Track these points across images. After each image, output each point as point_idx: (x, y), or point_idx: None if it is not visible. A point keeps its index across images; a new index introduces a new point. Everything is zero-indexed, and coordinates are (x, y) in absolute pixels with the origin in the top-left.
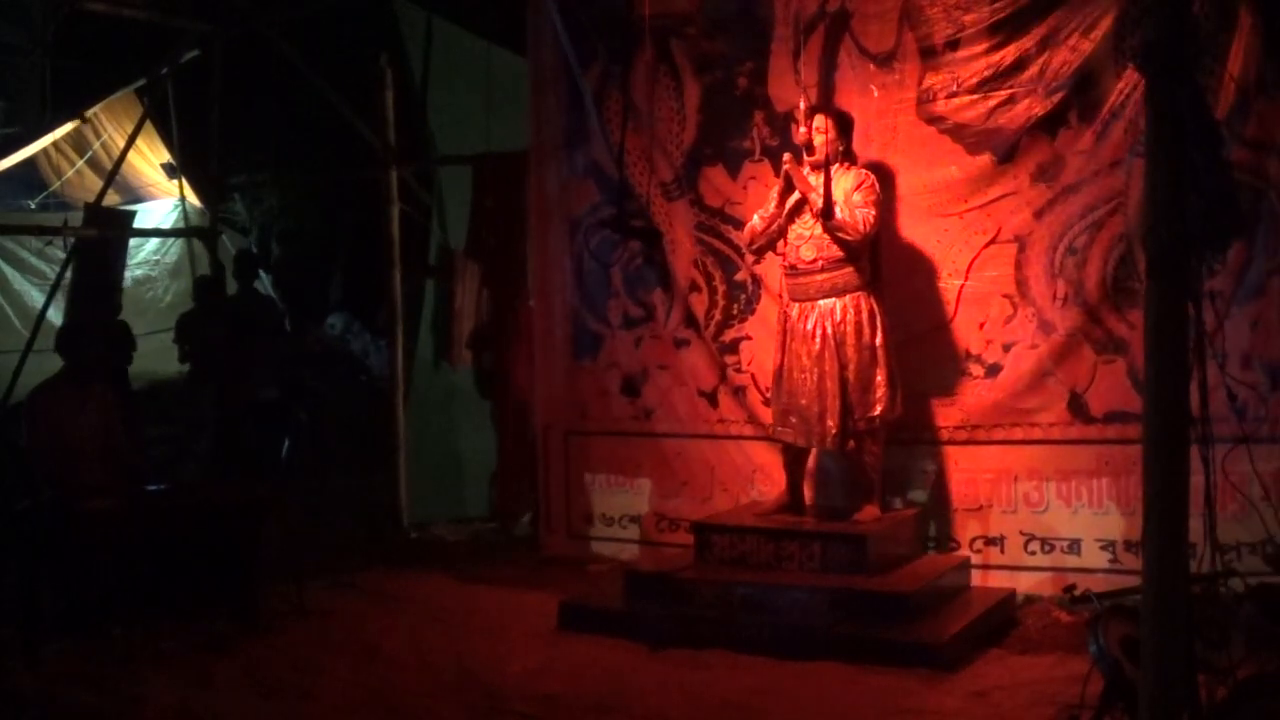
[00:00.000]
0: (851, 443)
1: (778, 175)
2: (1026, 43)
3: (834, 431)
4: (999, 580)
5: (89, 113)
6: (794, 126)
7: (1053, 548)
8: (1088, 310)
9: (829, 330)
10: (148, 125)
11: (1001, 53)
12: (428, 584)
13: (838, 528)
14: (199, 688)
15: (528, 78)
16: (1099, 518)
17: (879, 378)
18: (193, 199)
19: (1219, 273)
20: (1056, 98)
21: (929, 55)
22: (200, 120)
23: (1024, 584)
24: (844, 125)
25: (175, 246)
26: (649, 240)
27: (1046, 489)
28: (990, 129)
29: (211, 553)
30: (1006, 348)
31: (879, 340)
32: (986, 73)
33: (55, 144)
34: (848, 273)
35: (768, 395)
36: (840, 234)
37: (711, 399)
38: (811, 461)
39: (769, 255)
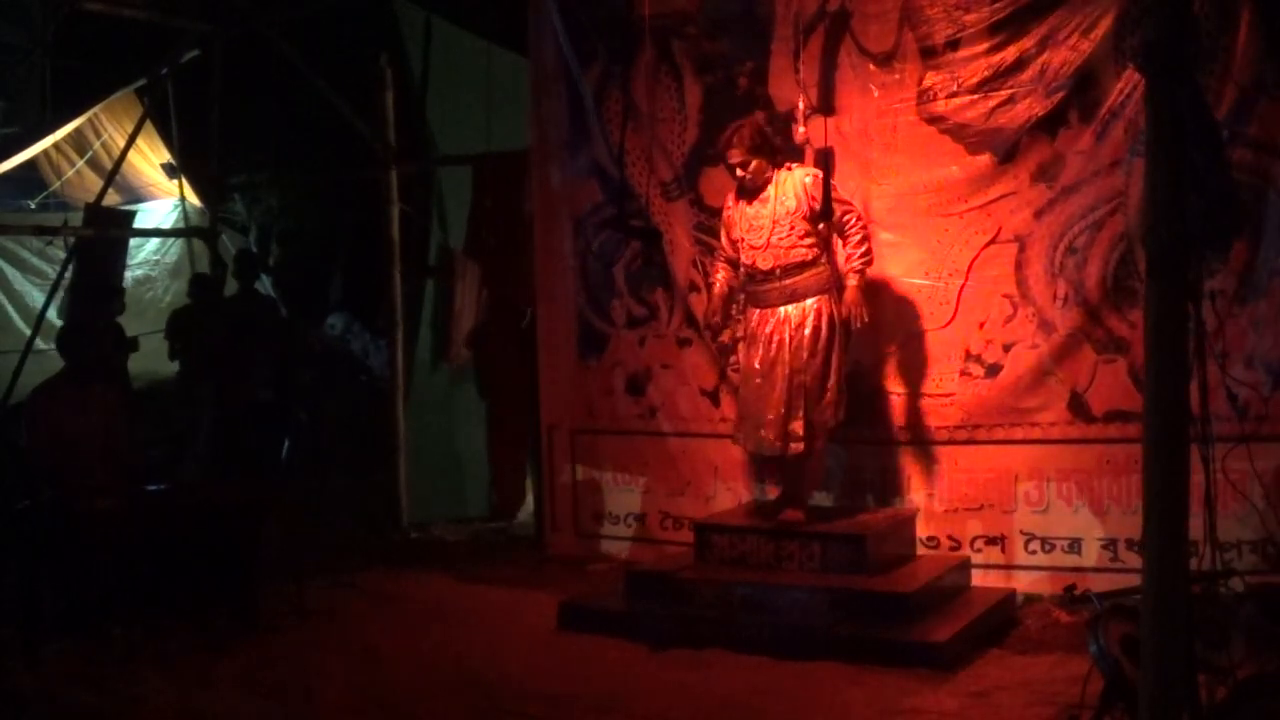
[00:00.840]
0: (797, 447)
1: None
2: (1026, 43)
3: (772, 438)
4: (999, 580)
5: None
6: (794, 126)
7: (1053, 547)
8: (1088, 310)
9: (785, 337)
10: (148, 125)
11: (1002, 53)
12: (428, 584)
13: (838, 528)
14: (199, 688)
15: (528, 78)
16: (1100, 517)
17: (829, 383)
18: (193, 199)
19: (1221, 272)
20: (1056, 98)
21: (929, 55)
22: (200, 120)
23: (1024, 584)
24: (759, 139)
25: (175, 246)
26: (648, 240)
27: (1047, 488)
28: (990, 129)
29: (211, 553)
30: (1007, 347)
31: (835, 347)
32: (987, 73)
33: (55, 144)
34: (807, 277)
35: None
36: (864, 261)
37: (714, 398)
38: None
39: None
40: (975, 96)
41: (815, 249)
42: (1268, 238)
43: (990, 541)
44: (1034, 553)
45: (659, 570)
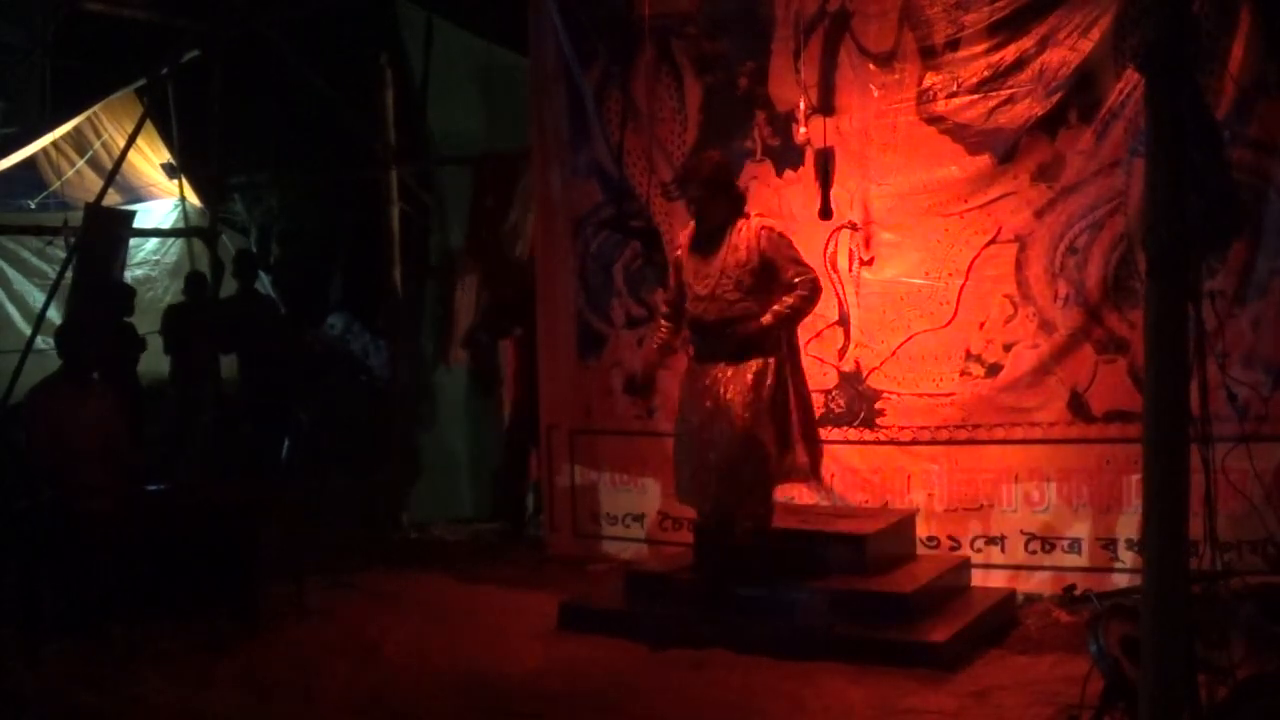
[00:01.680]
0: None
1: (779, 175)
2: (1026, 43)
3: (708, 510)
4: (1000, 580)
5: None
6: (794, 126)
7: (1053, 547)
8: (1089, 310)
9: (723, 394)
10: (148, 125)
11: (1001, 53)
12: (428, 584)
13: (838, 527)
14: (199, 688)
15: (528, 78)
16: (1100, 517)
17: (790, 433)
18: (193, 199)
19: (1221, 272)
20: (1056, 98)
21: (929, 55)
22: (200, 120)
23: (1024, 583)
24: (718, 179)
25: (175, 246)
26: (648, 240)
27: (1047, 488)
28: (990, 129)
29: (211, 553)
30: (1007, 347)
31: (782, 405)
32: (986, 73)
33: (55, 144)
34: (753, 333)
35: None
36: (792, 319)
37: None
38: None
39: None
40: (975, 96)
41: (759, 305)
42: (1268, 238)
43: (990, 541)
44: (1034, 553)
45: (659, 571)
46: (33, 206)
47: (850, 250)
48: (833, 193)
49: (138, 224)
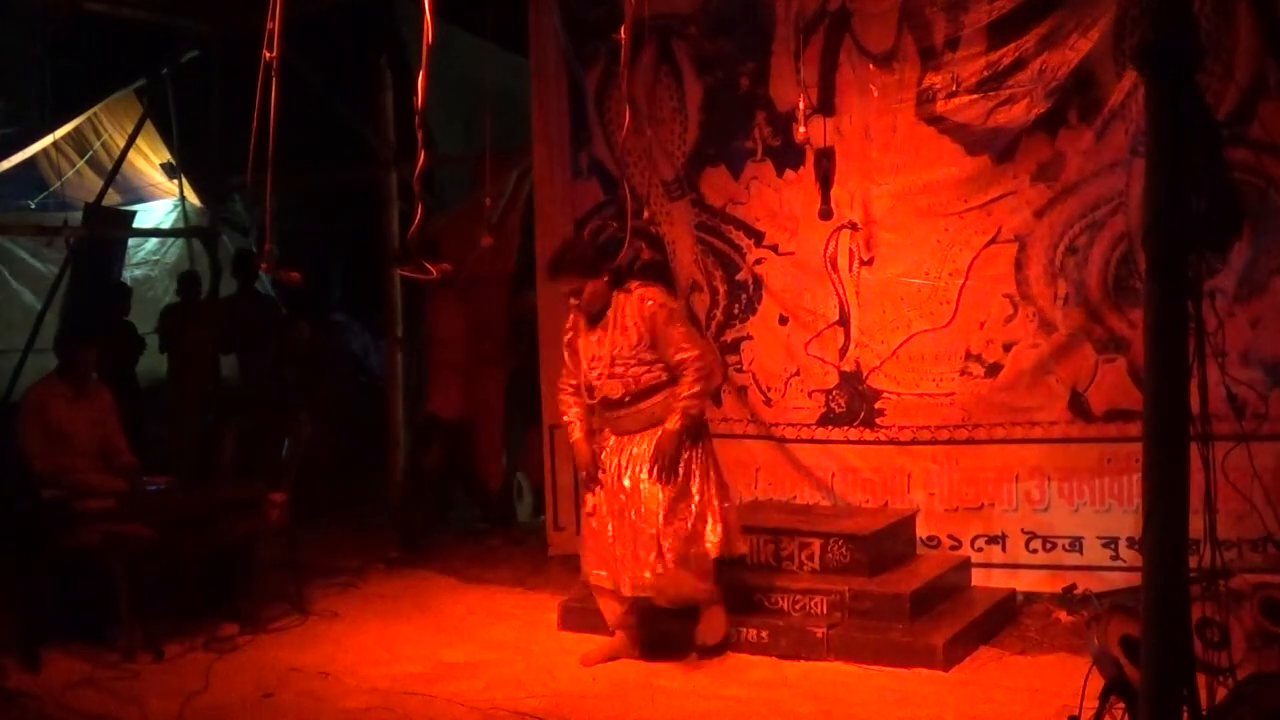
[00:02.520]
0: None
1: (779, 175)
2: (1026, 43)
3: (626, 593)
4: (1000, 579)
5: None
6: (794, 127)
7: (1054, 546)
8: (1089, 309)
9: (638, 472)
10: (148, 125)
11: (1001, 53)
12: (428, 584)
13: (837, 528)
14: (199, 688)
15: (529, 78)
16: (1101, 515)
17: (707, 514)
18: (193, 199)
19: (1221, 271)
20: (1056, 97)
21: (929, 55)
22: (200, 120)
23: (1025, 582)
24: (588, 264)
25: (175, 246)
26: (650, 240)
27: (1048, 487)
28: (990, 129)
29: (211, 553)
30: (1007, 347)
31: (703, 475)
32: (986, 73)
33: (55, 144)
34: (664, 398)
35: (769, 395)
36: (699, 414)
37: (715, 397)
38: None
39: (771, 255)
40: (975, 96)
41: (666, 372)
42: (1268, 237)
43: (991, 541)
44: (1035, 552)
45: None
46: (33, 206)
47: (850, 250)
48: (833, 193)
49: (138, 224)
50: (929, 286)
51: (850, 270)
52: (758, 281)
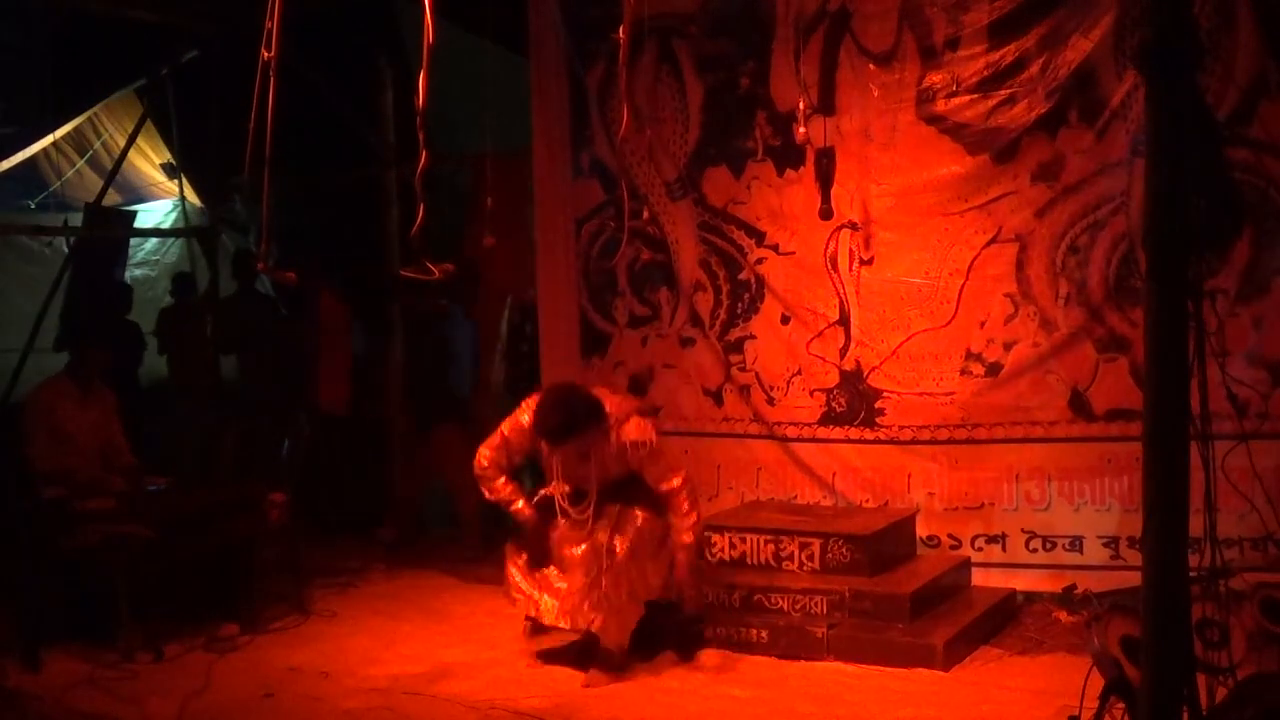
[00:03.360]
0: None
1: (780, 175)
2: (1026, 42)
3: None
4: (1000, 579)
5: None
6: (795, 126)
7: (1054, 545)
8: (1090, 309)
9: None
10: (148, 125)
11: (1001, 52)
12: (428, 584)
13: (837, 528)
14: (199, 688)
15: (529, 77)
16: (1101, 515)
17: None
18: (193, 199)
19: (1222, 271)
20: (1057, 97)
21: (929, 55)
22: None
23: (1025, 582)
24: (573, 428)
25: (175, 246)
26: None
27: (1048, 487)
28: (990, 128)
29: (211, 553)
30: (1008, 346)
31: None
32: (987, 72)
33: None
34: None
35: (771, 394)
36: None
37: (717, 397)
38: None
39: (772, 255)
40: (975, 96)
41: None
42: (1268, 237)
43: (991, 540)
44: (1035, 551)
45: None
46: (33, 206)
47: (850, 250)
48: (833, 193)
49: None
50: (929, 286)
51: (850, 270)
52: (760, 281)
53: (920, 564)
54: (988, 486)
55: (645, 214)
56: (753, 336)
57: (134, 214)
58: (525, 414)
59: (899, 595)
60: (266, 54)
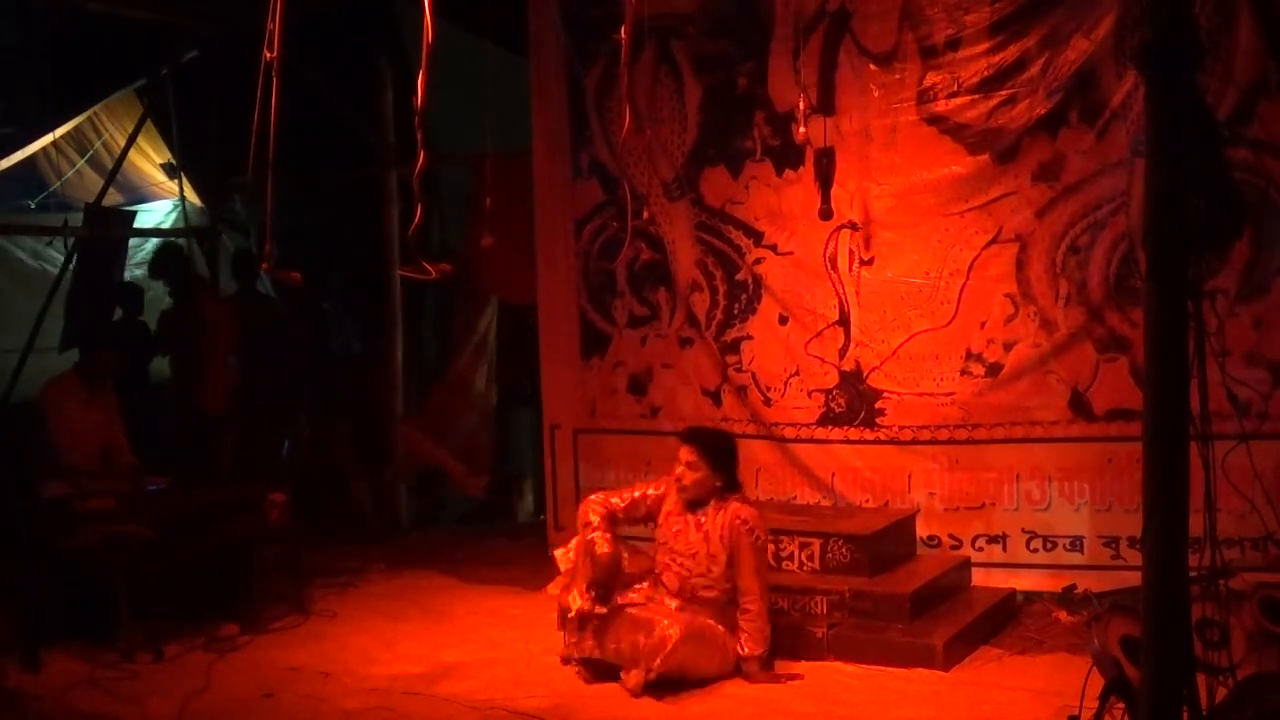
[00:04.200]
0: None
1: (779, 175)
2: (1027, 42)
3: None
4: (1000, 579)
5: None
6: (794, 127)
7: (1055, 545)
8: (1090, 309)
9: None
10: (148, 125)
11: (1003, 53)
12: (428, 584)
13: (837, 528)
14: (199, 688)
15: (529, 78)
16: (1101, 515)
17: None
18: (193, 199)
19: (1222, 271)
20: (1057, 98)
21: (929, 55)
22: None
23: (1025, 582)
24: (719, 456)
25: None
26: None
27: (1049, 487)
28: (991, 128)
29: (211, 553)
30: (1008, 346)
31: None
32: (987, 72)
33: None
34: (708, 613)
35: (769, 395)
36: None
37: (715, 398)
38: None
39: (771, 255)
40: (976, 96)
41: (730, 594)
42: (1268, 237)
43: (991, 540)
44: (1035, 551)
45: None
46: (33, 206)
47: (850, 250)
48: (833, 193)
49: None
50: (929, 286)
51: (850, 270)
52: (758, 281)
53: (920, 564)
54: (988, 486)
55: (646, 214)
56: (750, 337)
57: (134, 214)
58: (654, 487)
59: (899, 595)
60: (268, 54)
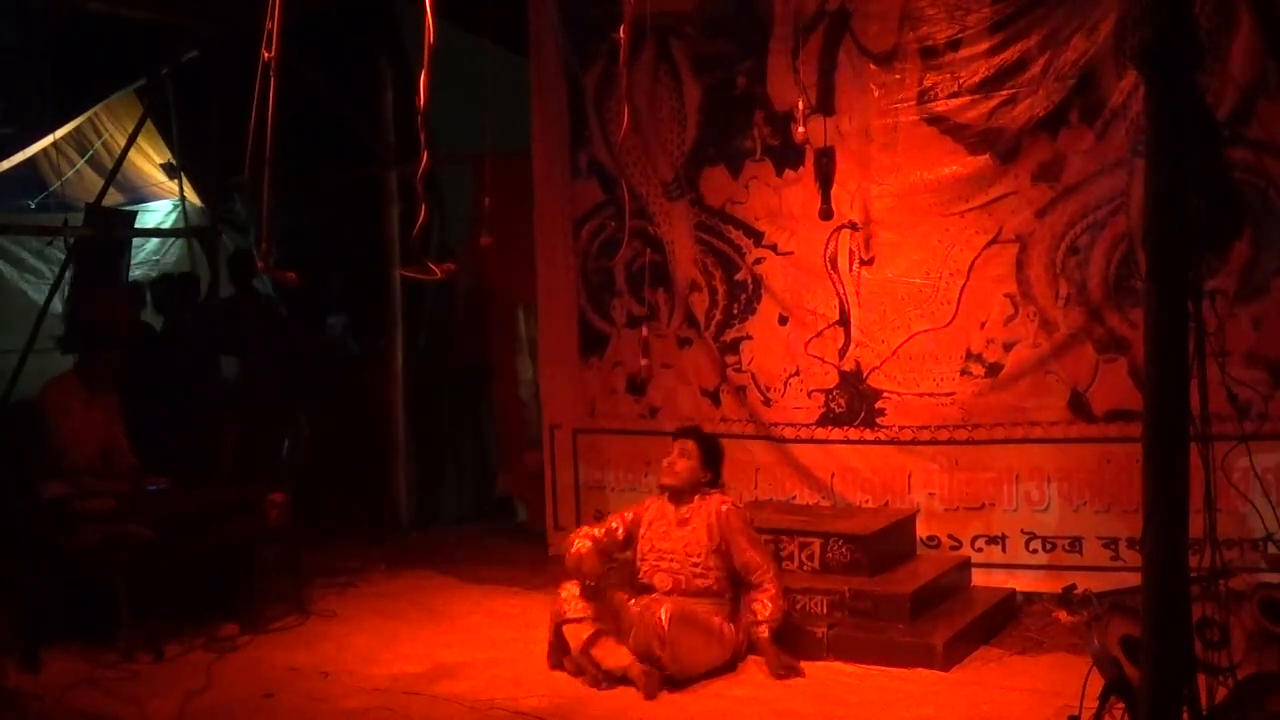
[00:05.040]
0: None
1: (779, 175)
2: (1028, 43)
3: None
4: (1000, 579)
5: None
6: (793, 126)
7: (1054, 546)
8: (1090, 309)
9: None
10: (148, 125)
11: (1003, 53)
12: (428, 584)
13: (837, 528)
14: (199, 688)
15: (528, 78)
16: (1100, 516)
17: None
18: (193, 199)
19: (1221, 272)
20: (1058, 97)
21: (930, 55)
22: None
23: (1025, 583)
24: (710, 455)
25: (175, 246)
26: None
27: (1048, 488)
28: (991, 129)
29: (211, 553)
30: (1008, 347)
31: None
32: (988, 72)
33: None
34: (706, 603)
35: (768, 395)
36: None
37: (714, 398)
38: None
39: (771, 255)
40: (976, 96)
41: (719, 582)
42: (1268, 238)
43: (991, 541)
44: (1035, 552)
45: None
46: (33, 206)
47: (850, 250)
48: (833, 193)
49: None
50: (929, 286)
51: (850, 270)
52: (757, 281)
53: (920, 564)
54: (988, 487)
55: (632, 225)
56: (749, 337)
57: (134, 214)
58: (628, 512)
59: (899, 595)
60: (267, 54)
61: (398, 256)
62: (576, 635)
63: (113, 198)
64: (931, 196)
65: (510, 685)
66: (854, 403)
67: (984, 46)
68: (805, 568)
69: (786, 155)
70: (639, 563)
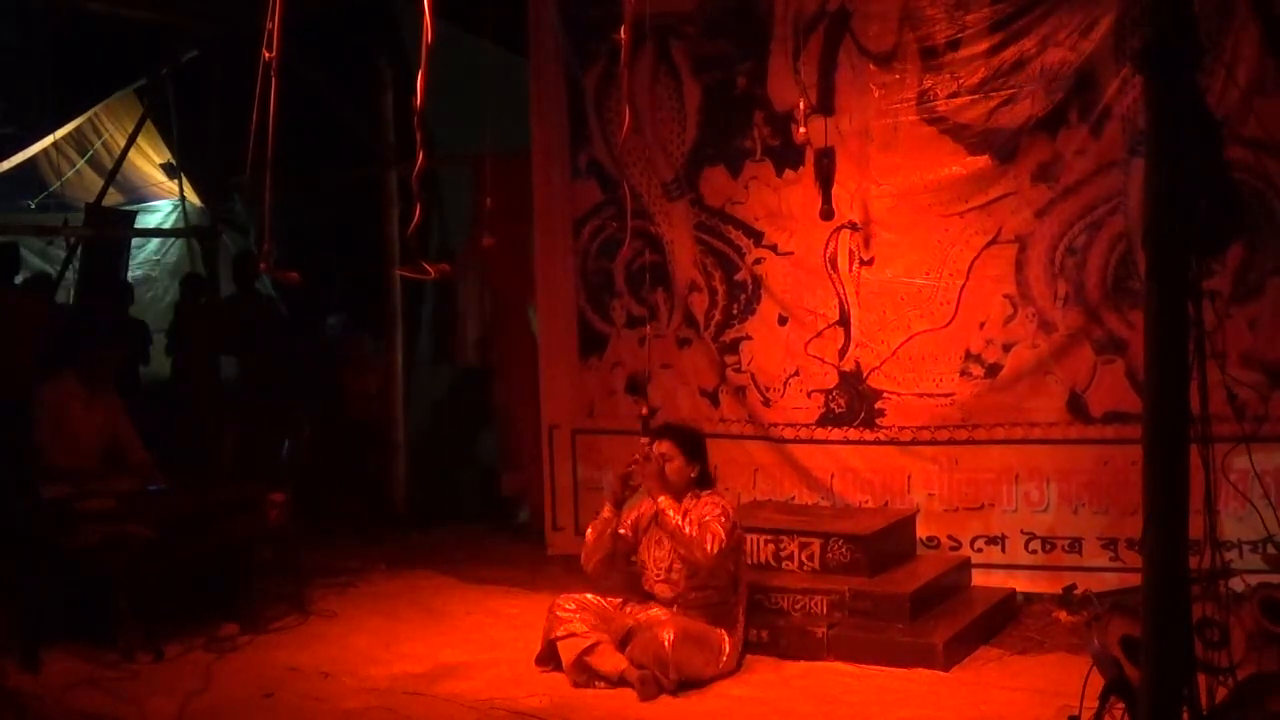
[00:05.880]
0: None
1: (779, 175)
2: (1027, 43)
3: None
4: (1000, 580)
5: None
6: (793, 127)
7: (1053, 547)
8: (1088, 310)
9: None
10: (148, 125)
11: (1002, 53)
12: (428, 584)
13: (837, 528)
14: (199, 688)
15: (528, 78)
16: (1100, 517)
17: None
18: (193, 199)
19: (1219, 273)
20: (1057, 98)
21: (929, 55)
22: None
23: (1024, 583)
24: (693, 448)
25: (175, 246)
26: (648, 240)
27: (1047, 488)
28: (991, 129)
29: (211, 553)
30: (1007, 347)
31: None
32: (987, 73)
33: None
34: (704, 611)
35: (767, 395)
36: (687, 551)
37: (713, 399)
38: None
39: (770, 255)
40: (976, 96)
41: (718, 594)
42: (1267, 238)
43: (990, 541)
44: (1034, 552)
45: None
46: (33, 206)
47: (850, 250)
48: (833, 193)
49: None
50: (929, 286)
51: (850, 270)
52: (757, 281)
53: (920, 564)
54: (987, 487)
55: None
56: (749, 337)
57: (134, 214)
58: (630, 516)
59: (899, 595)
60: (267, 54)
61: (398, 256)
62: (571, 649)
63: (113, 198)
64: (931, 197)
65: (510, 685)
66: (854, 403)
67: (983, 47)
68: (805, 568)
69: (786, 155)
70: (641, 570)
